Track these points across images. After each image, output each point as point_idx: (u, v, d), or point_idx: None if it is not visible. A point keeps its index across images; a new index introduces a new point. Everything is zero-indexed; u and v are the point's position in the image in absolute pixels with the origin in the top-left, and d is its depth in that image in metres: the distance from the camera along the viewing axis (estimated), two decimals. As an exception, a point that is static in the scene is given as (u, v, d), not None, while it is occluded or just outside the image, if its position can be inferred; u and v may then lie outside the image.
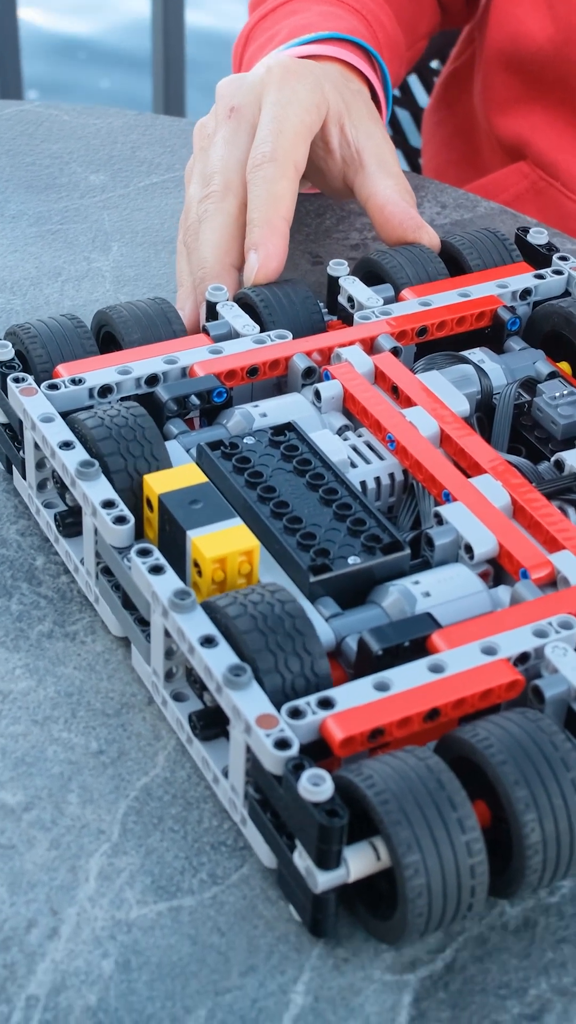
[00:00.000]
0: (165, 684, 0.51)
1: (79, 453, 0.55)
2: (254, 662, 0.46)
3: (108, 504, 0.53)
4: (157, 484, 0.53)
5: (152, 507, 0.54)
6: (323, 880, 0.43)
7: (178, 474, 0.54)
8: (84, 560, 0.56)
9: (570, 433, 0.60)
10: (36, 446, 0.58)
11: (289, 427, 0.57)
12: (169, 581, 0.50)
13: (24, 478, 0.60)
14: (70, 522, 0.57)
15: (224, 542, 0.51)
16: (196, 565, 0.51)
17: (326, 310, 0.67)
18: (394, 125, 1.22)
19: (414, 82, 1.21)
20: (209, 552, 0.50)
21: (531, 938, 0.46)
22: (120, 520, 0.52)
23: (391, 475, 0.57)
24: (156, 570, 0.50)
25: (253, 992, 0.44)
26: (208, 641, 0.47)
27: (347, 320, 0.66)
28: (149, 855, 0.47)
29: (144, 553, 0.51)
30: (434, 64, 1.21)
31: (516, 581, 0.52)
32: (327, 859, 0.43)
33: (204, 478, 0.54)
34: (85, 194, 0.83)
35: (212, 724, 0.49)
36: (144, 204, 0.83)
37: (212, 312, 0.64)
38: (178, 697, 0.51)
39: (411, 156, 1.22)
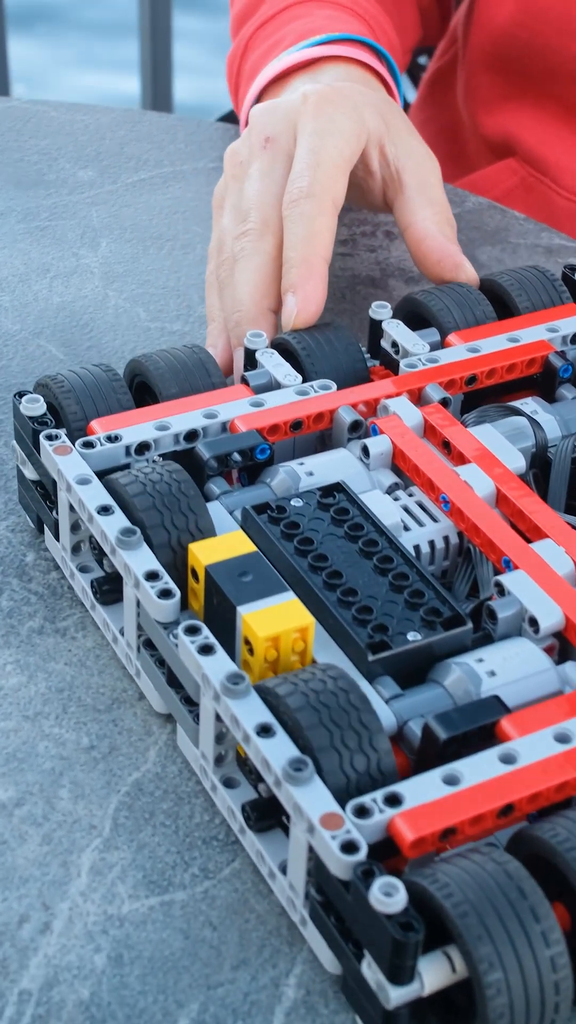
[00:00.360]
0: (215, 769, 0.49)
1: (119, 519, 0.52)
2: (317, 760, 0.43)
3: (152, 576, 0.50)
4: (204, 554, 0.50)
5: (198, 578, 0.51)
6: (395, 996, 0.40)
7: (225, 542, 0.51)
8: (124, 631, 0.53)
9: None
10: (71, 508, 0.55)
11: (338, 487, 0.54)
12: (221, 663, 0.47)
13: (57, 539, 0.57)
14: (107, 589, 0.54)
15: (278, 619, 0.48)
16: (247, 643, 0.48)
17: (367, 354, 0.64)
18: None
19: (403, 78, 1.21)
20: (262, 631, 0.47)
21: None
22: (165, 594, 0.49)
23: (445, 538, 0.54)
24: (206, 650, 0.47)
25: (245, 986, 0.44)
26: (265, 730, 0.45)
27: (390, 366, 0.63)
28: (141, 850, 0.48)
29: (192, 631, 0.48)
30: (422, 60, 1.21)
31: (585, 656, 0.49)
32: (400, 974, 0.40)
33: (252, 547, 0.51)
34: (73, 190, 0.84)
35: (267, 816, 0.47)
36: (132, 200, 0.82)
37: (251, 360, 0.61)
38: (229, 783, 0.49)
39: None
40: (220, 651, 0.47)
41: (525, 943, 0.40)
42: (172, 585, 0.49)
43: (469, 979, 0.41)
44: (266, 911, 0.46)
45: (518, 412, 0.59)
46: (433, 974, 0.41)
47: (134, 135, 0.89)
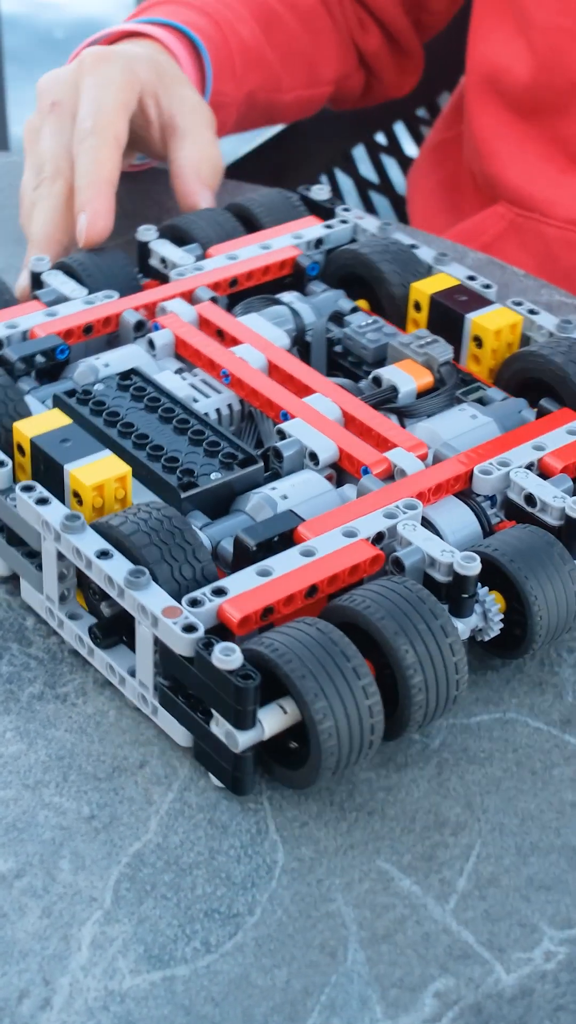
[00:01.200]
0: (60, 607, 0.56)
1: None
2: (152, 572, 0.52)
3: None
4: (28, 429, 0.58)
5: (24, 452, 0.58)
6: (243, 740, 0.49)
7: (44, 419, 0.59)
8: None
9: (379, 356, 0.67)
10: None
11: (134, 372, 0.63)
12: (57, 509, 0.55)
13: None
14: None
15: (99, 471, 0.56)
16: (76, 495, 0.56)
17: (140, 273, 0.72)
18: (381, 172, 1.23)
19: (400, 130, 1.23)
20: (89, 480, 0.55)
21: (527, 1006, 0.47)
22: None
23: (229, 406, 0.63)
24: (42, 502, 0.55)
25: (247, 1064, 0.44)
26: (104, 554, 0.53)
27: (161, 280, 0.72)
28: (142, 923, 0.48)
29: (28, 489, 0.56)
30: (420, 112, 1.23)
31: (358, 480, 0.59)
32: (245, 720, 0.49)
33: (68, 419, 0.59)
34: None
35: (111, 633, 0.55)
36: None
37: (37, 282, 0.69)
38: (72, 617, 0.56)
39: (398, 204, 1.23)
40: (55, 501, 0.55)
41: (341, 677, 0.49)
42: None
43: (301, 725, 0.50)
44: (269, 987, 0.46)
45: (278, 302, 0.69)
46: (271, 720, 0.50)
47: (135, 188, 0.87)
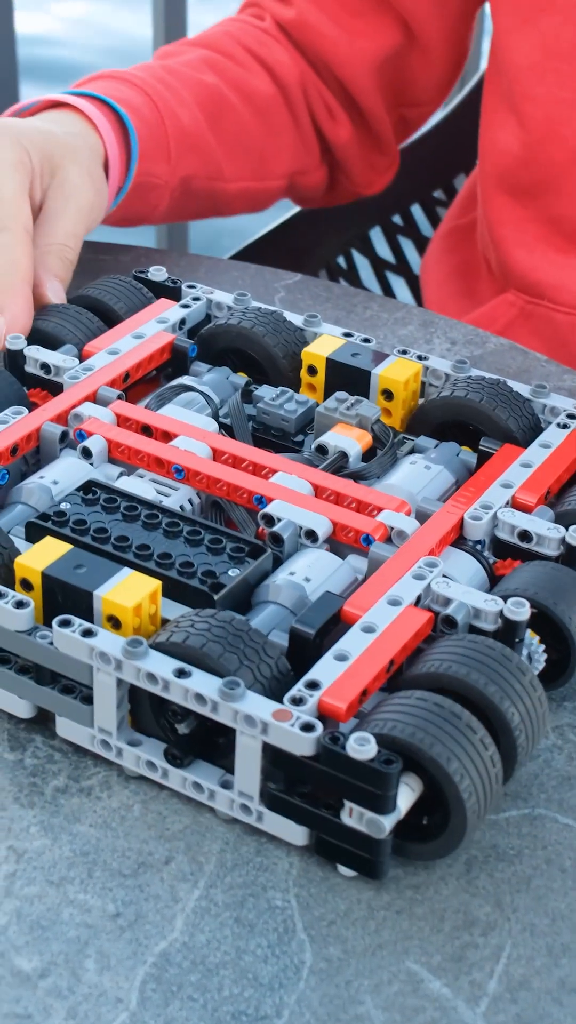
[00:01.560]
0: (118, 736, 0.55)
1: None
2: (233, 679, 0.51)
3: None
4: (33, 562, 0.56)
5: (32, 586, 0.56)
6: (388, 823, 0.50)
7: (42, 550, 0.57)
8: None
9: (301, 424, 0.69)
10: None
11: (92, 484, 0.61)
12: (110, 638, 0.53)
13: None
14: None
15: (131, 591, 0.55)
16: (110, 619, 0.55)
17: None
18: (397, 253, 1.20)
19: (417, 212, 1.21)
20: (128, 602, 0.54)
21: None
22: (20, 604, 0.54)
23: (190, 500, 0.63)
24: (88, 634, 0.53)
25: None
26: (182, 673, 0.52)
27: (44, 385, 0.70)
28: None
29: (66, 624, 0.54)
30: (437, 194, 1.21)
31: (355, 548, 0.60)
32: (387, 804, 0.49)
33: (69, 545, 0.57)
34: None
35: (189, 751, 0.54)
36: None
37: None
38: (132, 743, 0.55)
39: (414, 285, 1.20)
40: (101, 631, 0.53)
41: (474, 751, 0.50)
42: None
43: (426, 796, 0.51)
44: None
45: (187, 388, 0.69)
46: (402, 799, 0.50)
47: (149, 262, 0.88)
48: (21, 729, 0.57)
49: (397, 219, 1.23)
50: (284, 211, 1.15)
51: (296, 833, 0.52)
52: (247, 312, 0.73)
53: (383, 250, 1.23)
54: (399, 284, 1.25)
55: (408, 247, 1.24)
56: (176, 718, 0.53)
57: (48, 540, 0.57)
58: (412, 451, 0.67)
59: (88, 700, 0.55)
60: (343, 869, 0.52)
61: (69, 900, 0.51)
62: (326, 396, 0.71)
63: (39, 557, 0.56)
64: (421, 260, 1.11)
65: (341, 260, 1.23)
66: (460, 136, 1.12)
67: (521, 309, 0.96)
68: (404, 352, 0.71)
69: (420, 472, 0.64)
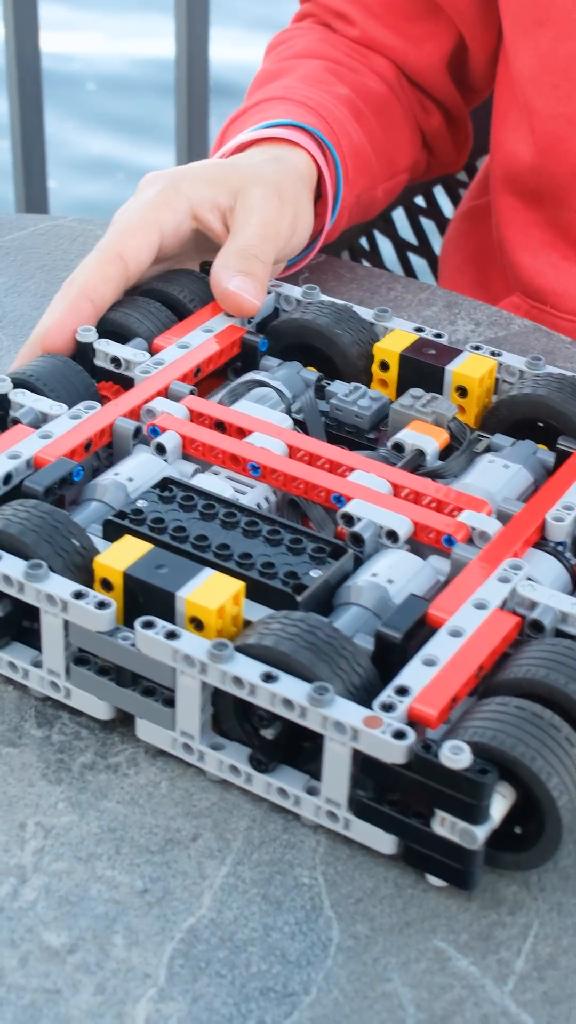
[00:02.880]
0: (201, 740, 0.54)
1: (12, 560, 0.55)
2: (322, 684, 0.50)
3: (80, 595, 0.54)
4: (114, 562, 0.55)
5: (112, 586, 0.55)
6: (481, 833, 0.49)
7: (123, 549, 0.56)
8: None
9: (375, 421, 0.68)
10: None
11: (169, 481, 0.60)
12: (195, 641, 0.52)
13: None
14: (2, 632, 0.57)
15: (214, 592, 0.54)
16: (193, 621, 0.54)
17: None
18: (420, 235, 1.21)
19: (440, 192, 1.21)
20: (211, 604, 0.53)
21: None
22: (102, 605, 0.54)
23: (266, 498, 0.62)
24: (172, 636, 0.52)
25: None
26: (270, 678, 0.51)
27: (114, 380, 0.69)
28: (196, 1001, 0.47)
29: (149, 625, 0.53)
30: (460, 175, 1.21)
31: (435, 549, 0.59)
32: (481, 814, 0.48)
33: (149, 545, 0.56)
34: None
35: (273, 756, 0.53)
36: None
37: (3, 402, 0.65)
38: (215, 747, 0.54)
39: (436, 266, 1.19)
40: (185, 633, 0.52)
41: (572, 766, 0.49)
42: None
43: (519, 806, 0.50)
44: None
45: (260, 383, 0.68)
46: (496, 809, 0.49)
47: None
48: (48, 706, 0.57)
49: (420, 200, 1.23)
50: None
51: (384, 841, 0.51)
52: (318, 306, 0.72)
53: (405, 232, 1.23)
54: (421, 265, 1.25)
55: (431, 228, 1.24)
56: (262, 723, 0.53)
57: (127, 539, 0.56)
58: (487, 449, 0.66)
59: (170, 703, 0.54)
60: (432, 878, 0.51)
61: (97, 876, 0.51)
62: (398, 392, 0.70)
63: (119, 557, 0.55)
64: (439, 255, 1.11)
65: (363, 242, 1.23)
66: (484, 117, 1.12)
67: (527, 313, 0.95)
68: (477, 348, 0.70)
69: (498, 471, 0.63)
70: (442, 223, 1.22)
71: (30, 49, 1.74)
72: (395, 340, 0.70)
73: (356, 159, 0.87)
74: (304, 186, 0.79)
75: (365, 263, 1.20)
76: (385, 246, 1.24)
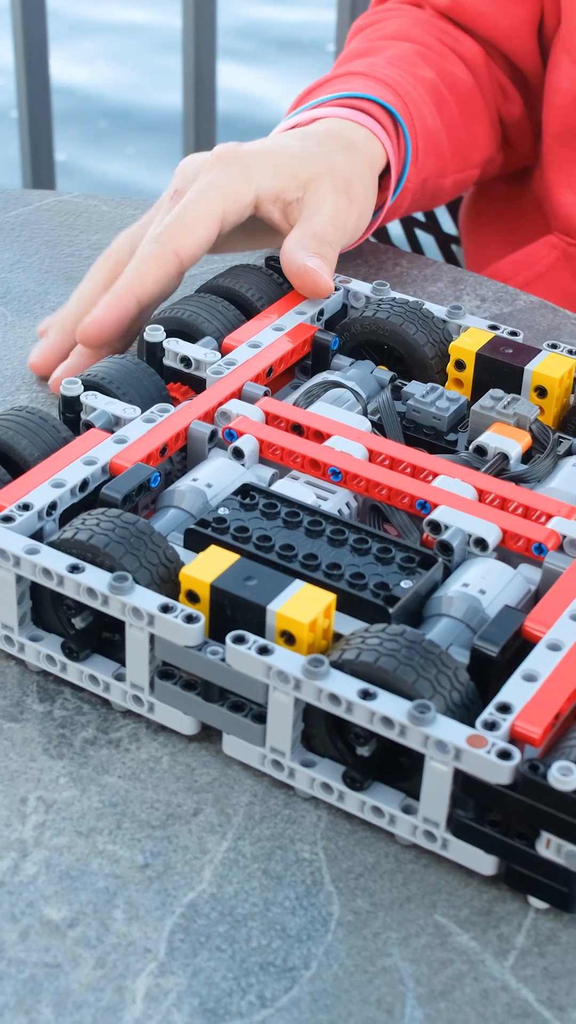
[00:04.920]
0: (292, 756, 0.53)
1: (96, 572, 0.54)
2: (423, 702, 0.49)
3: (167, 608, 0.53)
4: (201, 574, 0.54)
5: (199, 599, 0.54)
6: (590, 856, 0.47)
7: (209, 560, 0.54)
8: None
9: (453, 423, 0.66)
10: (18, 580, 0.56)
11: (249, 488, 0.59)
12: (289, 657, 0.51)
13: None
14: (81, 646, 0.56)
15: (305, 605, 0.52)
16: (284, 635, 0.52)
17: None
18: (427, 212, 1.20)
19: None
20: (304, 618, 0.52)
21: None
22: (191, 619, 0.52)
23: (347, 504, 0.61)
24: (264, 651, 0.51)
25: None
26: (368, 695, 0.49)
27: (184, 380, 0.68)
28: (196, 975, 0.47)
29: (240, 640, 0.51)
30: None
31: (525, 557, 0.57)
32: (590, 836, 0.47)
33: (236, 556, 0.54)
34: None
35: (367, 775, 0.52)
36: (179, 294, 0.79)
37: (69, 406, 0.64)
38: (306, 764, 0.53)
39: (444, 244, 1.19)
40: (279, 648, 0.51)
41: None
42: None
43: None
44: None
45: (336, 384, 0.66)
46: (602, 830, 0.48)
47: None
48: (50, 681, 0.57)
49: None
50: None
51: (485, 862, 0.50)
52: (389, 303, 0.71)
53: None
54: (429, 242, 1.23)
55: (439, 208, 1.23)
56: (358, 740, 0.51)
57: (213, 549, 0.55)
58: (569, 452, 0.65)
59: (259, 718, 0.53)
60: (534, 901, 0.50)
61: (98, 851, 0.51)
62: (474, 391, 0.69)
63: (206, 568, 0.54)
64: (461, 206, 1.11)
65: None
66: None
67: (564, 252, 0.95)
68: (554, 346, 0.69)
69: (584, 475, 0.61)
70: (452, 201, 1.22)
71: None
72: (471, 339, 0.69)
73: (428, 142, 0.85)
74: (372, 175, 0.78)
75: (372, 239, 1.19)
76: (392, 223, 1.23)
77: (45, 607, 0.57)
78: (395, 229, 1.23)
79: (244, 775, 0.54)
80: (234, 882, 0.50)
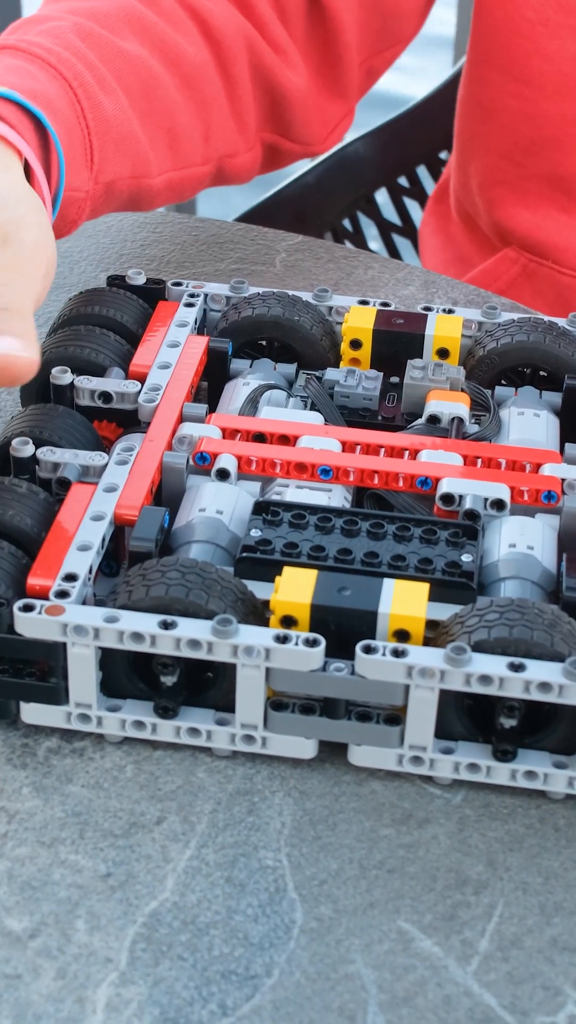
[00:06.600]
0: (433, 748, 0.54)
1: (192, 622, 0.52)
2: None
3: (283, 639, 0.52)
4: (295, 596, 0.53)
5: (297, 622, 0.54)
6: None
7: (290, 583, 0.54)
8: (239, 716, 0.53)
9: (380, 399, 0.68)
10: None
11: (266, 504, 0.58)
12: (427, 652, 0.52)
13: (62, 702, 0.54)
14: (175, 700, 0.54)
15: (408, 601, 0.53)
16: (397, 634, 0.53)
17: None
18: (403, 215, 1.15)
19: (423, 173, 1.16)
20: (417, 612, 0.53)
21: None
22: (312, 643, 0.52)
23: (345, 498, 0.61)
24: (399, 654, 0.52)
25: None
26: (518, 667, 0.51)
27: (101, 416, 0.65)
28: (158, 985, 0.47)
29: (370, 650, 0.52)
30: (443, 155, 1.15)
31: (536, 508, 0.61)
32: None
33: (314, 571, 0.55)
34: None
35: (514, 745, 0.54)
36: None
37: (25, 465, 0.61)
38: (446, 751, 0.54)
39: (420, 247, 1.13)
40: (412, 648, 0.52)
41: None
42: (312, 635, 0.51)
43: None
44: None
45: (271, 387, 0.66)
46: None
47: (156, 237, 0.88)
48: None
49: (403, 181, 1.22)
50: (285, 173, 1.09)
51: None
52: (261, 298, 0.71)
53: (389, 212, 1.23)
54: (405, 247, 1.25)
55: (414, 209, 1.24)
56: (512, 713, 0.53)
57: (288, 572, 0.55)
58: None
59: (390, 721, 0.53)
60: None
61: (60, 860, 0.51)
62: (372, 367, 0.70)
63: (295, 590, 0.54)
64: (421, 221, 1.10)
65: (347, 223, 1.21)
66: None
67: (524, 267, 0.95)
68: (428, 309, 0.72)
69: (533, 421, 0.65)
70: (426, 203, 1.21)
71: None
72: (359, 317, 0.70)
73: (108, 137, 0.70)
74: (15, 185, 0.61)
75: (348, 244, 1.19)
76: (369, 227, 1.23)
77: (115, 675, 0.55)
78: (372, 234, 1.23)
79: (208, 783, 0.54)
80: (197, 890, 0.50)
